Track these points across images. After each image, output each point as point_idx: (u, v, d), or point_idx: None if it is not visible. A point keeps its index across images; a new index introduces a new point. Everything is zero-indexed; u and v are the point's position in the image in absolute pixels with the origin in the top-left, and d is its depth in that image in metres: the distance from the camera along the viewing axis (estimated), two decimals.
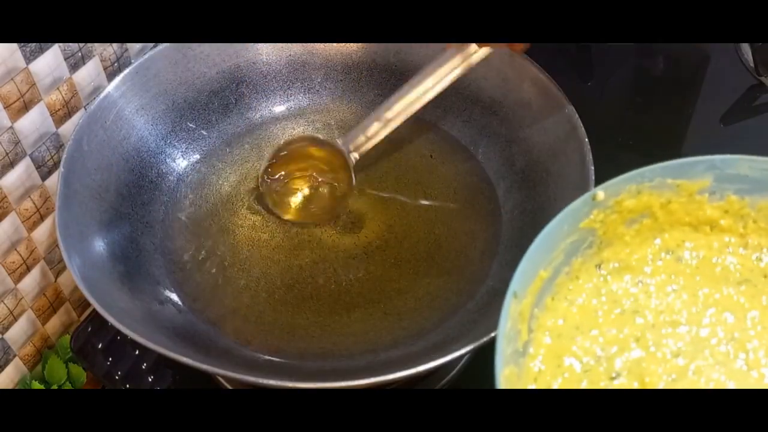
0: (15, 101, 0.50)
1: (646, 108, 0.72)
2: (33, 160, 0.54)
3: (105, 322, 0.43)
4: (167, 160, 0.58)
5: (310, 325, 0.51)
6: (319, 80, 0.63)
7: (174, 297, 0.52)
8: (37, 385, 0.58)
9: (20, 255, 0.55)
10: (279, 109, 0.63)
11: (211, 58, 0.60)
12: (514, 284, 0.35)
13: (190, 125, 0.60)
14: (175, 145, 0.59)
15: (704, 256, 0.40)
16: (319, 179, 0.57)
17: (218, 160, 0.60)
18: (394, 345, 0.49)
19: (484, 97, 0.59)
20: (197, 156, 0.60)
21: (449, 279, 0.53)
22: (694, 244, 0.40)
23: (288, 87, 0.63)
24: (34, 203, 0.55)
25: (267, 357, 0.49)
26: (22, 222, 0.54)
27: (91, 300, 0.43)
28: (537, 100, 0.56)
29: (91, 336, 0.58)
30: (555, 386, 0.36)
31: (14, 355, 0.58)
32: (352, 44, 0.62)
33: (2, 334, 0.56)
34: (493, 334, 0.41)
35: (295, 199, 0.57)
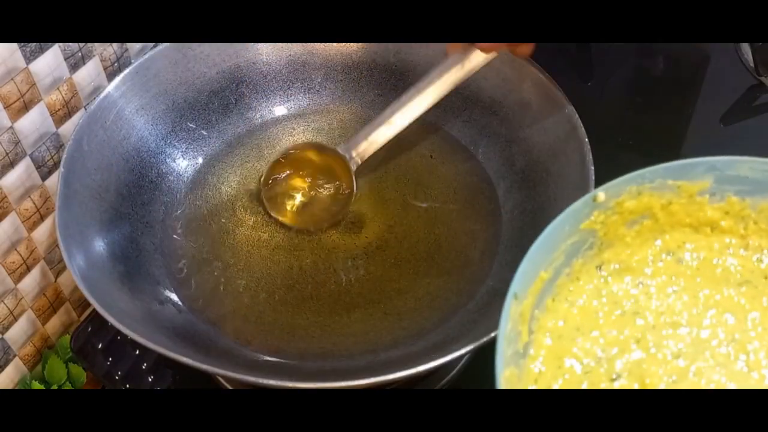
0: (15, 101, 0.50)
1: (646, 108, 0.72)
2: (33, 160, 0.54)
3: (105, 322, 0.43)
4: (167, 160, 0.58)
5: (310, 325, 0.51)
6: (319, 80, 0.63)
7: (174, 297, 0.52)
8: (37, 385, 0.58)
9: (20, 255, 0.55)
10: (279, 109, 0.63)
11: (211, 58, 0.60)
12: (515, 285, 0.35)
13: (190, 125, 0.60)
14: (175, 145, 0.59)
15: (705, 258, 0.40)
16: (321, 185, 0.57)
17: (218, 160, 0.60)
18: (394, 345, 0.49)
19: (484, 97, 0.59)
20: (197, 156, 0.60)
21: (449, 279, 0.53)
22: (694, 246, 0.40)
23: (288, 87, 0.63)
24: (34, 203, 0.55)
25: (267, 357, 0.49)
26: (22, 222, 0.54)
27: (91, 300, 0.43)
28: (537, 100, 0.56)
29: (91, 336, 0.58)
30: (555, 387, 0.36)
31: (14, 355, 0.58)
32: (352, 44, 0.62)
33: (2, 334, 0.56)
34: (493, 334, 0.41)
35: (297, 206, 0.57)
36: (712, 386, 0.36)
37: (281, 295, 0.52)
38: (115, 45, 0.58)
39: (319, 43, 0.62)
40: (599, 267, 0.40)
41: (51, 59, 0.52)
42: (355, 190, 0.56)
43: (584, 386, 0.36)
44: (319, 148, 0.58)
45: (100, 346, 0.57)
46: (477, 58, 0.52)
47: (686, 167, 0.38)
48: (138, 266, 0.52)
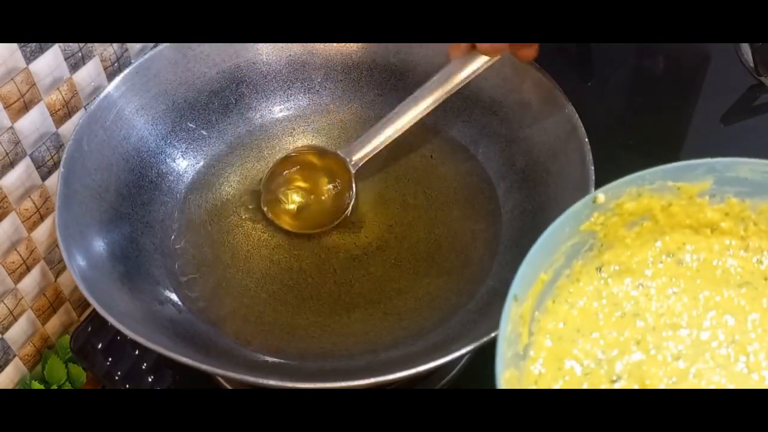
0: (15, 101, 0.50)
1: (646, 108, 0.72)
2: (33, 160, 0.54)
3: (105, 322, 0.43)
4: (167, 160, 0.58)
5: (310, 325, 0.51)
6: (319, 80, 0.63)
7: (174, 297, 0.52)
8: (37, 385, 0.58)
9: (20, 255, 0.55)
10: (279, 109, 0.63)
11: (211, 58, 0.60)
12: (515, 287, 0.35)
13: (190, 125, 0.59)
14: (175, 145, 0.59)
15: (705, 259, 0.40)
16: (321, 190, 0.57)
17: (218, 160, 0.60)
18: (394, 345, 0.49)
19: (484, 97, 0.59)
20: (197, 156, 0.60)
21: (449, 279, 0.53)
22: (694, 247, 0.40)
23: (288, 87, 0.63)
24: (34, 203, 0.55)
25: (267, 357, 0.49)
26: (22, 222, 0.54)
27: (91, 300, 0.43)
28: (537, 100, 0.56)
29: (91, 336, 0.58)
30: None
31: (14, 355, 0.58)
32: (352, 44, 0.62)
33: (2, 334, 0.56)
34: (493, 335, 0.41)
35: (296, 211, 0.57)
36: (712, 387, 0.36)
37: (281, 295, 0.52)
38: (115, 45, 0.58)
39: (319, 43, 0.62)
40: (599, 268, 0.40)
41: (51, 59, 0.52)
42: (354, 193, 0.56)
43: (584, 387, 0.36)
44: (318, 151, 0.58)
45: (100, 346, 0.57)
46: (479, 61, 0.52)
47: (686, 169, 0.38)
48: (138, 266, 0.52)
